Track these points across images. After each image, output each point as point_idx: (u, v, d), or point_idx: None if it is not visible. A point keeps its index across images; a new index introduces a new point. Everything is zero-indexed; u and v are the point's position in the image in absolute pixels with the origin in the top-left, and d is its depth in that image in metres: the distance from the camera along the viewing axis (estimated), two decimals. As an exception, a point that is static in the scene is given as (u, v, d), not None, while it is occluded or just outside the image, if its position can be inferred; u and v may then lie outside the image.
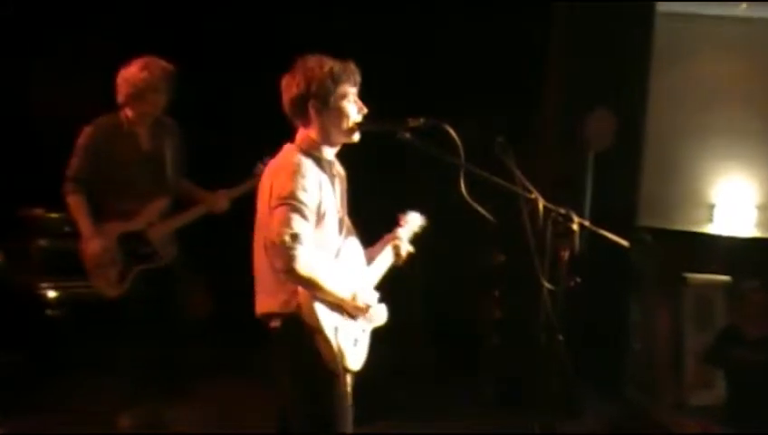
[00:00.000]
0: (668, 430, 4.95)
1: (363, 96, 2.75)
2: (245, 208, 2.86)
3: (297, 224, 2.52)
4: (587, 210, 5.07)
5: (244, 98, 5.43)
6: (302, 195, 2.55)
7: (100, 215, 3.86)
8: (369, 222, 2.98)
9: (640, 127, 5.51)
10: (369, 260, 2.93)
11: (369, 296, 2.79)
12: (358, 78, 2.73)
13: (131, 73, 3.82)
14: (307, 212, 2.56)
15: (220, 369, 5.23)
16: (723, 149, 5.91)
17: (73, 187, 3.84)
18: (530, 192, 2.66)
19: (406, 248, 3.04)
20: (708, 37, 5.81)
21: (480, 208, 2.72)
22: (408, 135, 2.70)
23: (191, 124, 4.10)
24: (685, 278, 5.41)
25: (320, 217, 2.63)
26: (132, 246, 3.88)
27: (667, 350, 5.38)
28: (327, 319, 2.62)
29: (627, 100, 5.35)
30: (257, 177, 3.75)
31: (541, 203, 2.64)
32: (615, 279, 5.25)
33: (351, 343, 2.71)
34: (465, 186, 2.66)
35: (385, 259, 2.97)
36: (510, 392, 4.98)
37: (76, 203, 3.84)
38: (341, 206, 2.81)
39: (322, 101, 2.66)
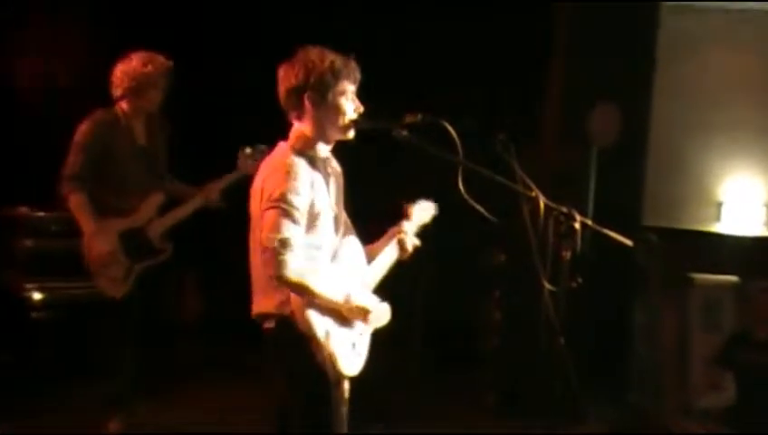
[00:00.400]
0: (673, 433, 4.90)
1: (363, 94, 2.70)
2: (244, 209, 2.78)
3: (286, 228, 2.48)
4: (590, 209, 5.02)
5: (235, 95, 5.47)
6: (292, 198, 2.51)
7: (97, 212, 3.79)
8: (369, 222, 2.91)
9: (645, 123, 5.48)
10: (373, 257, 2.84)
11: (366, 298, 2.70)
12: (358, 76, 2.68)
13: (132, 67, 3.77)
14: (297, 215, 2.51)
15: (220, 369, 5.24)
16: (731, 145, 5.83)
17: (74, 185, 3.76)
18: (531, 190, 2.61)
19: (412, 242, 2.91)
20: (716, 32, 5.74)
21: (479, 207, 2.68)
22: (404, 133, 2.65)
23: (182, 120, 4.09)
24: (691, 279, 5.33)
25: (313, 218, 2.58)
26: (134, 243, 3.83)
27: (673, 353, 5.32)
28: (319, 324, 2.56)
29: (631, 95, 5.32)
30: (241, 162, 3.77)
31: (542, 201, 2.58)
32: (619, 280, 5.21)
33: (348, 347, 2.64)
34: (464, 184, 2.61)
35: (389, 255, 2.86)
36: (510, 393, 4.98)
37: (78, 202, 3.76)
38: (337, 203, 2.75)
39: (320, 96, 2.61)
